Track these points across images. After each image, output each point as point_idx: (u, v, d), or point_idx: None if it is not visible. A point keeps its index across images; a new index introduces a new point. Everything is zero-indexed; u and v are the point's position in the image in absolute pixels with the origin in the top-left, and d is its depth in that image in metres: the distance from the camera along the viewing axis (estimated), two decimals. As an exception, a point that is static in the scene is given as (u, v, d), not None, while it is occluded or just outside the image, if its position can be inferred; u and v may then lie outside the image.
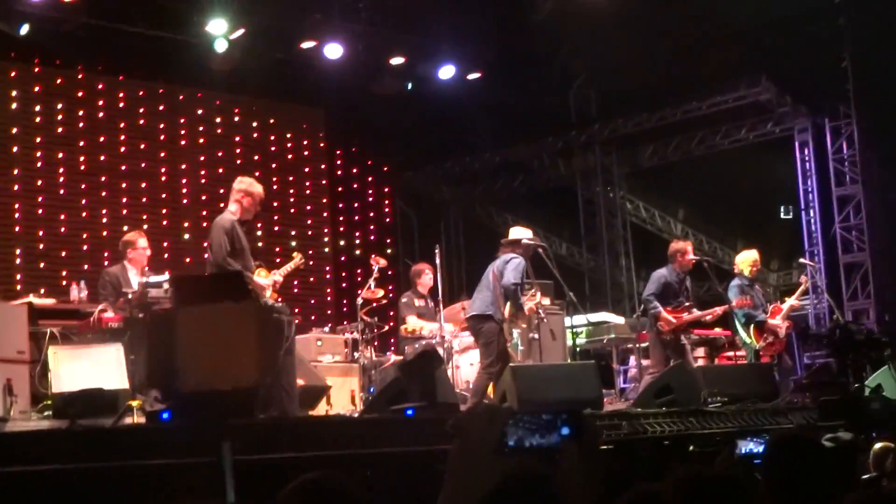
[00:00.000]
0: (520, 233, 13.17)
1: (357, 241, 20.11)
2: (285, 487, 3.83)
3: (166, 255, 16.74)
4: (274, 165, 19.34)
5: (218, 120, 18.80)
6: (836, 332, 11.57)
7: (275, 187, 19.18)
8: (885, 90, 17.08)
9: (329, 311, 18.80)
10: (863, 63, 17.55)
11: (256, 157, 19.08)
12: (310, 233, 19.49)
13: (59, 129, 17.12)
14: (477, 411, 2.17)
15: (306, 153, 19.90)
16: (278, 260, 12.63)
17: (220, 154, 18.63)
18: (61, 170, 17.03)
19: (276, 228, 18.92)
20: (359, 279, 16.72)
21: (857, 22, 17.34)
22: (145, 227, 16.04)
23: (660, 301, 13.71)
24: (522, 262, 12.72)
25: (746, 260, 14.54)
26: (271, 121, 19.45)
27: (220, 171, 17.95)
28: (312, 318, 17.17)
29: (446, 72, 17.70)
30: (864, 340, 12.11)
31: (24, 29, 15.16)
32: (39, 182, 16.80)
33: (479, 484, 2.38)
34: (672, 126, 19.74)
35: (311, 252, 18.92)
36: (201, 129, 18.60)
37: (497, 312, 12.49)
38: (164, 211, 17.68)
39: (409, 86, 18.01)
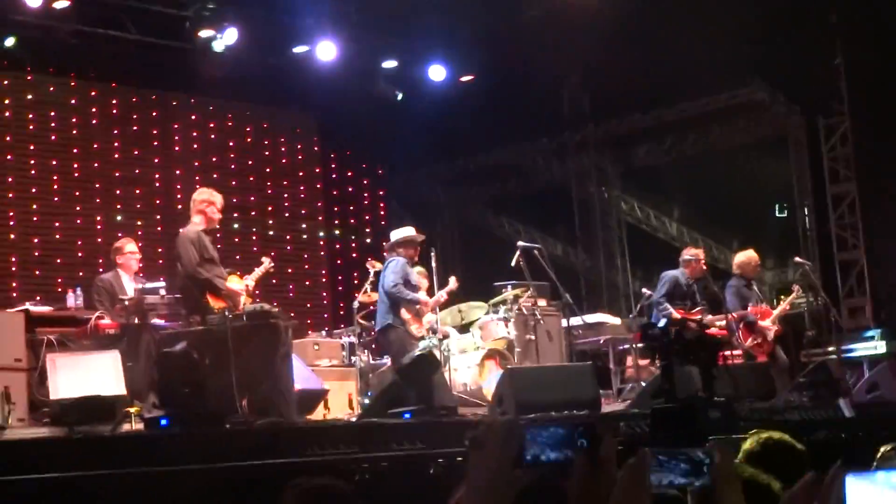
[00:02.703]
0: (396, 234, 13.14)
1: (353, 245, 20.09)
2: (285, 492, 3.82)
3: (161, 262, 16.71)
4: (268, 170, 19.33)
5: (211, 125, 18.78)
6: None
7: (269, 192, 19.20)
8: (878, 87, 17.09)
9: (326, 316, 18.77)
10: (855, 60, 17.56)
11: (250, 162, 19.06)
12: (305, 237, 19.47)
13: (53, 137, 17.08)
14: (495, 425, 2.16)
15: (300, 157, 19.88)
16: (273, 265, 12.64)
17: (214, 159, 18.61)
18: (55, 177, 17.00)
19: (271, 233, 18.90)
20: (355, 283, 16.69)
21: (849, 19, 17.35)
22: (140, 233, 16.05)
23: (668, 302, 13.77)
24: (400, 262, 12.67)
25: (744, 260, 14.57)
26: (265, 125, 19.43)
27: (215, 176, 17.90)
28: (309, 322, 17.14)
29: (438, 73, 17.70)
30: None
31: (10, 41, 15.21)
32: (34, 190, 16.76)
33: (498, 498, 2.37)
34: (666, 126, 19.75)
35: (306, 256, 18.92)
36: (195, 134, 18.57)
37: (395, 319, 12.45)
38: (158, 217, 17.63)
39: (400, 96, 18.03)
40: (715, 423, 9.66)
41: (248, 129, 19.23)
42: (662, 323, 12.05)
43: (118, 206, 17.49)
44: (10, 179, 16.57)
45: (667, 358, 10.63)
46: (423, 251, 13.23)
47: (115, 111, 17.75)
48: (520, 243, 14.00)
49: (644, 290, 15.72)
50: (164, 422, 9.07)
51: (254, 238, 18.49)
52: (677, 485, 3.29)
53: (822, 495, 2.22)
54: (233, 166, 18.71)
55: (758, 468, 4.04)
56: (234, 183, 18.05)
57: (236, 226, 17.80)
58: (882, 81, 16.90)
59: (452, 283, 13.19)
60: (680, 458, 3.21)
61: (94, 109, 17.56)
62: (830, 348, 15.11)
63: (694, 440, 7.72)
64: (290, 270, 18.69)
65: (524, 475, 2.40)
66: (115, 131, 17.73)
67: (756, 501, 3.55)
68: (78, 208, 17.11)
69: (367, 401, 12.74)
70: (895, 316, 16.73)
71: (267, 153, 19.40)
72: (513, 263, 13.81)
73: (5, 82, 16.75)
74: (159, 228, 17.61)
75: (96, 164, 17.43)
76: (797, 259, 15.62)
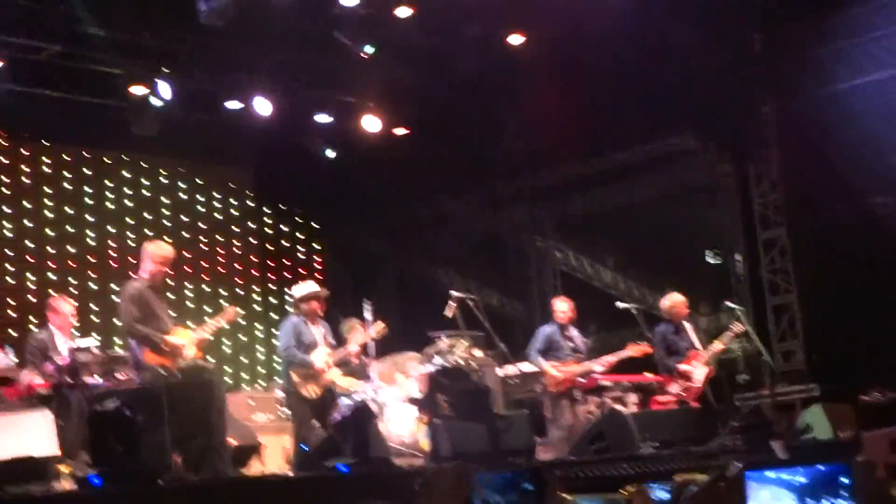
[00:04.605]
0: (297, 290, 13.07)
1: (288, 299, 20.03)
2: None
3: (96, 319, 16.62)
4: (203, 226, 19.30)
5: (145, 182, 18.74)
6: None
7: (204, 248, 19.16)
8: (806, 134, 17.33)
9: (261, 369, 18.72)
10: (783, 109, 17.82)
11: (185, 219, 19.03)
12: (241, 292, 19.42)
13: (-16, 196, 17.02)
14: (445, 470, 2.19)
15: (235, 213, 19.88)
16: (238, 313, 12.63)
17: (147, 216, 18.56)
18: (-13, 236, 16.92)
19: (207, 289, 18.85)
20: (291, 337, 16.64)
21: (777, 68, 17.62)
22: (73, 290, 15.94)
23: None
24: (291, 322, 12.65)
25: (668, 304, 14.72)
26: (198, 181, 19.41)
27: (149, 232, 17.84)
28: (244, 376, 17.09)
29: (372, 125, 17.72)
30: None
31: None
32: (-35, 249, 16.67)
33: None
34: (599, 174, 19.89)
35: (242, 312, 18.85)
36: (128, 192, 18.53)
37: (286, 382, 12.42)
38: (92, 274, 17.55)
39: (332, 153, 18.08)
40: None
41: (182, 186, 19.21)
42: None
43: (51, 265, 17.39)
44: (-59, 239, 16.47)
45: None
46: (357, 303, 13.22)
47: (47, 169, 17.68)
48: (453, 293, 14.03)
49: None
50: (96, 480, 8.98)
51: (189, 294, 18.42)
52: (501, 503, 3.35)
53: (725, 492, 2.30)
54: (167, 223, 18.67)
55: None
56: (167, 239, 17.94)
57: (171, 282, 17.71)
58: (810, 128, 17.14)
59: (373, 330, 13.07)
60: (599, 502, 3.28)
61: (26, 168, 17.48)
62: (764, 392, 15.25)
63: None
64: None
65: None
66: (49, 190, 17.65)
67: None
68: (10, 267, 16.99)
69: (302, 454, 12.68)
70: (827, 359, 16.90)
71: (201, 209, 19.38)
72: (448, 313, 13.84)
73: (-65, 141, 16.68)
74: (93, 286, 17.51)
75: (29, 223, 17.33)
76: (729, 304, 15.76)
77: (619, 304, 15.19)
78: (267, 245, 20.30)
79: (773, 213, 18.33)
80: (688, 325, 14.61)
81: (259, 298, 19.80)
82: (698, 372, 14.09)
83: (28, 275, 17.12)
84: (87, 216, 18.00)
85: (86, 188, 18.08)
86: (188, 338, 11.15)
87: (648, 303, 18.90)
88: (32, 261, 17.24)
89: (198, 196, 19.41)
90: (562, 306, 14.69)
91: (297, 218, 20.69)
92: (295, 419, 12.35)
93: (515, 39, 16.53)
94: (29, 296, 16.87)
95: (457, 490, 2.33)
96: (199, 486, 9.30)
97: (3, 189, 17.21)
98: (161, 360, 10.78)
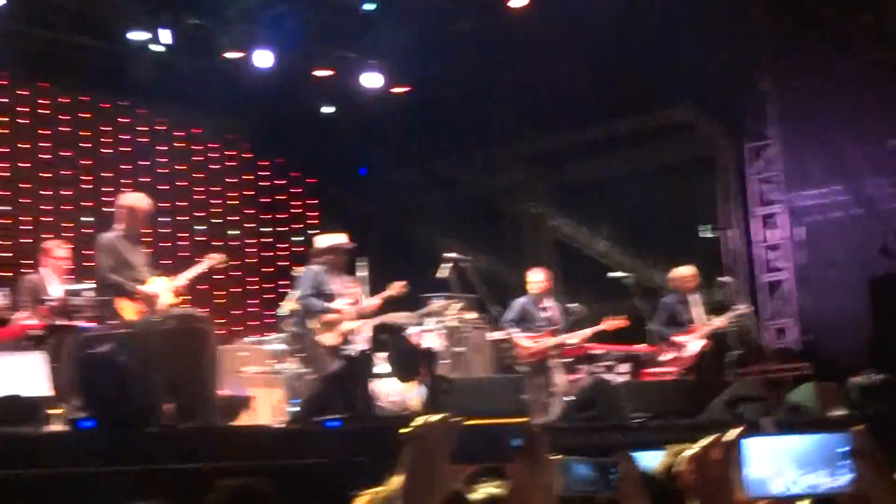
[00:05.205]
0: (322, 240, 13.05)
1: (282, 253, 20.03)
2: (208, 495, 3.82)
3: (89, 264, 16.54)
4: (198, 176, 19.24)
5: (141, 129, 18.66)
6: None
7: (199, 197, 19.10)
8: (804, 110, 17.33)
9: (254, 323, 18.70)
10: (783, 83, 17.80)
11: (180, 168, 18.96)
12: (234, 244, 19.37)
13: (-19, 136, 16.93)
14: (434, 422, 2.18)
15: (231, 164, 19.81)
16: (224, 260, 12.59)
17: (143, 163, 18.48)
18: (-18, 177, 16.84)
19: (201, 239, 18.79)
20: (284, 291, 16.63)
21: (776, 42, 17.59)
22: (68, 234, 15.87)
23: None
24: (312, 271, 12.63)
25: (675, 276, 14.76)
26: (195, 131, 19.34)
27: (145, 180, 17.76)
28: (237, 329, 17.07)
29: (373, 81, 17.66)
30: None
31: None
32: (-40, 189, 16.61)
33: (435, 490, 2.41)
34: (596, 144, 19.85)
35: (235, 263, 18.80)
36: (125, 138, 18.45)
37: (303, 329, 12.41)
38: (87, 219, 17.48)
39: (330, 109, 18.02)
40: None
41: (178, 135, 19.13)
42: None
43: (46, 207, 17.33)
44: (-64, 178, 16.39)
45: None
46: (352, 261, 13.19)
47: (45, 111, 17.59)
48: (447, 255, 14.03)
49: (571, 305, 15.80)
50: (87, 424, 8.98)
51: (183, 243, 18.36)
52: (584, 492, 3.34)
53: (723, 454, 2.28)
54: (162, 171, 18.59)
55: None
56: (163, 188, 17.91)
57: (165, 231, 17.69)
58: (808, 104, 17.13)
59: (395, 287, 13.07)
60: (588, 465, 3.26)
61: (23, 109, 17.39)
62: (755, 368, 15.28)
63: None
64: (219, 277, 18.59)
65: (460, 469, 2.43)
66: (46, 132, 17.57)
67: None
68: (6, 208, 16.93)
69: (293, 408, 12.68)
70: (819, 338, 16.96)
71: (198, 159, 19.31)
72: (441, 275, 13.84)
73: (-67, 80, 16.58)
74: (89, 231, 17.45)
75: (26, 165, 17.26)
76: (721, 279, 15.78)
77: (611, 274, 15.19)
78: (261, 198, 20.24)
79: (768, 189, 18.32)
80: (693, 299, 14.62)
81: (252, 251, 19.74)
82: (692, 344, 14.12)
83: (22, 217, 17.05)
84: (82, 161, 17.91)
85: (81, 132, 17.97)
86: (163, 286, 11.16)
87: (641, 274, 18.89)
88: (28, 202, 17.17)
89: (193, 146, 19.32)
90: (535, 277, 14.70)
91: (291, 173, 20.62)
92: (315, 368, 12.27)
93: (517, 2, 16.45)
94: (22, 238, 16.81)
95: (445, 441, 2.31)
96: (189, 434, 9.31)
97: (2, 130, 17.10)
98: (135, 308, 10.82)
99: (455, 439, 2.36)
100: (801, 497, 2.26)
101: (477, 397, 11.53)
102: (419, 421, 2.48)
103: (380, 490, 3.02)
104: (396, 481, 2.86)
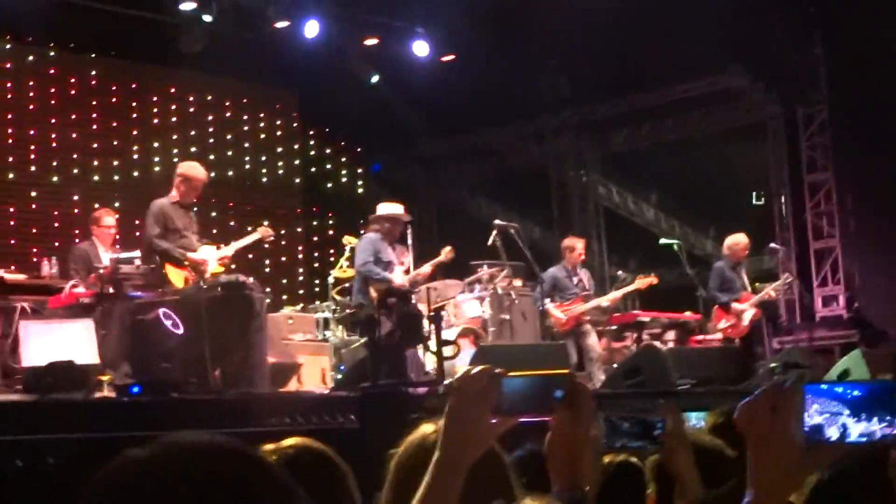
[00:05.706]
0: (383, 208, 13.05)
1: (330, 222, 20.09)
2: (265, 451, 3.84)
3: (138, 233, 16.66)
4: (247, 145, 19.32)
5: (191, 98, 18.74)
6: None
7: (247, 167, 19.19)
8: (857, 77, 17.15)
9: (301, 291, 18.77)
10: (835, 50, 17.63)
11: (229, 137, 19.05)
12: (282, 212, 19.45)
13: (31, 107, 17.02)
14: (476, 373, 2.19)
15: (279, 133, 19.88)
16: (271, 234, 12.69)
17: (192, 133, 18.57)
18: (33, 147, 16.94)
19: (249, 208, 18.86)
20: (331, 259, 16.71)
21: (828, 8, 17.42)
22: (117, 204, 15.97)
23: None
24: (370, 238, 12.65)
25: (730, 243, 14.71)
26: (244, 100, 19.41)
27: (193, 149, 17.85)
28: (284, 297, 17.15)
29: (421, 49, 17.67)
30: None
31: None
32: (10, 159, 16.70)
33: (476, 443, 2.42)
34: (645, 111, 19.76)
35: (283, 232, 18.88)
36: (174, 107, 18.54)
37: (364, 297, 12.40)
38: (136, 189, 17.57)
39: (375, 78, 18.05)
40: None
41: (227, 104, 19.20)
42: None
43: (95, 178, 17.46)
44: (-14, 147, 16.52)
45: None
46: (404, 231, 13.23)
47: (94, 82, 17.69)
48: (496, 222, 14.02)
49: (619, 272, 15.79)
50: (135, 389, 9.07)
51: (231, 212, 18.46)
52: (630, 447, 3.33)
53: (783, 403, 2.27)
54: (211, 140, 18.68)
55: (722, 439, 4.08)
56: (212, 157, 17.99)
57: (213, 200, 17.76)
58: (861, 70, 16.96)
59: (444, 254, 13.11)
60: (632, 421, 3.25)
61: (73, 80, 17.50)
62: (803, 335, 15.23)
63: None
64: (266, 246, 18.67)
65: (502, 422, 2.44)
66: (94, 102, 17.68)
67: (709, 465, 3.60)
68: (55, 178, 17.07)
69: (339, 376, 12.75)
70: (868, 305, 16.83)
71: (246, 128, 19.39)
72: (489, 242, 13.84)
73: (-16, 50, 16.69)
74: (136, 200, 17.56)
75: (74, 135, 17.38)
76: (772, 245, 15.69)
77: (663, 241, 15.14)
78: (309, 167, 20.30)
79: (819, 155, 18.19)
80: (742, 266, 14.60)
81: (299, 220, 19.81)
82: (748, 313, 14.09)
83: (73, 187, 17.17)
84: (132, 130, 18.02)
85: (132, 102, 18.07)
86: (211, 254, 11.24)
87: (690, 242, 18.84)
88: (77, 172, 17.30)
89: (243, 115, 19.39)
90: (570, 245, 14.66)
91: (340, 142, 20.65)
92: (376, 329, 12.28)
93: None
94: (74, 208, 16.94)
95: (487, 393, 2.32)
96: (236, 400, 9.37)
97: (51, 101, 17.21)
98: (185, 274, 10.91)
99: (498, 391, 2.37)
100: (856, 443, 2.27)
101: (521, 365, 11.52)
102: (461, 371, 2.48)
103: (414, 438, 3.04)
104: (428, 429, 2.89)
